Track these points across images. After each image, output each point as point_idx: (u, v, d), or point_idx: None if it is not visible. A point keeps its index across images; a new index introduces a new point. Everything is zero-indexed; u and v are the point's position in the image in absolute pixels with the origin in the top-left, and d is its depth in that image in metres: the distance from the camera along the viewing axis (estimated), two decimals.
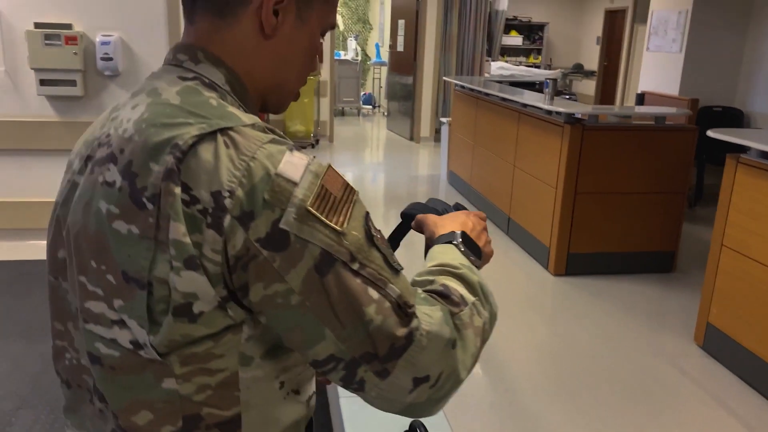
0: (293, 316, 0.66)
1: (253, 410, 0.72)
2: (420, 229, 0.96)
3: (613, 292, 3.93)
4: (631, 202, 4.08)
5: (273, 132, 0.70)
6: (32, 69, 3.70)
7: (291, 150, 0.68)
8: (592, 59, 12.82)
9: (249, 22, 0.75)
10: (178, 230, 0.63)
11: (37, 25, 3.67)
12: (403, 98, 9.27)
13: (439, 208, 1.02)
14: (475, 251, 0.88)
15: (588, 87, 12.78)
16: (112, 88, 3.88)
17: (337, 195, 0.67)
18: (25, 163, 3.92)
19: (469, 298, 0.76)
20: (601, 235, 4.11)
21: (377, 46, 11.79)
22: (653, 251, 4.20)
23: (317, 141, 8.38)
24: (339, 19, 11.91)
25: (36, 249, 3.94)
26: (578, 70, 12.55)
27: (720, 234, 3.12)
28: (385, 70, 11.32)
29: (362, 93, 11.69)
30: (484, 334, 0.78)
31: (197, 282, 0.64)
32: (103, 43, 3.73)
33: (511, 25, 12.83)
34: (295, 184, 0.65)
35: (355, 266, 0.66)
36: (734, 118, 6.04)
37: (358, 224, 0.68)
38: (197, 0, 0.76)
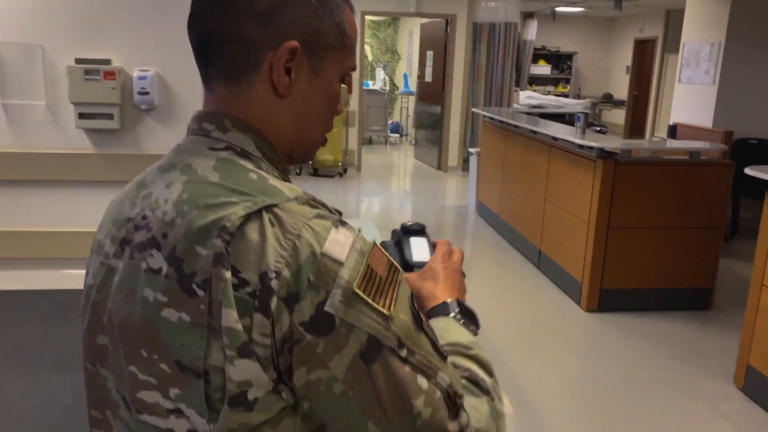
0: (336, 405, 0.63)
1: None
2: None
3: (647, 329, 3.84)
4: (666, 238, 4.01)
5: (316, 204, 0.68)
6: (72, 103, 3.80)
7: (336, 226, 0.65)
8: (621, 88, 12.76)
9: (263, 85, 0.72)
10: (231, 317, 0.61)
11: (78, 61, 3.78)
12: (430, 127, 9.31)
13: (413, 256, 0.96)
14: (473, 319, 0.84)
15: (617, 116, 12.71)
16: (147, 122, 3.96)
17: (382, 275, 0.64)
18: (62, 194, 4.00)
19: (488, 381, 0.74)
20: (635, 271, 4.04)
21: (405, 76, 11.89)
22: (689, 288, 4.11)
23: (345, 170, 8.44)
24: (368, 50, 12.06)
25: (71, 278, 4.00)
26: (608, 99, 12.50)
27: (760, 273, 3.04)
28: (412, 99, 11.40)
29: (390, 122, 11.78)
30: (501, 409, 0.75)
31: (251, 369, 0.61)
32: (140, 78, 3.82)
33: (539, 55, 12.86)
34: (341, 264, 0.62)
35: (404, 353, 0.63)
36: None
37: (404, 306, 0.65)
38: (210, 69, 0.74)
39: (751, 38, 5.92)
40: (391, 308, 0.63)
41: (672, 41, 10.83)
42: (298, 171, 8.17)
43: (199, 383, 0.63)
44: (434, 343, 0.67)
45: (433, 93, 9.10)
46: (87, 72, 3.75)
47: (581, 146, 4.14)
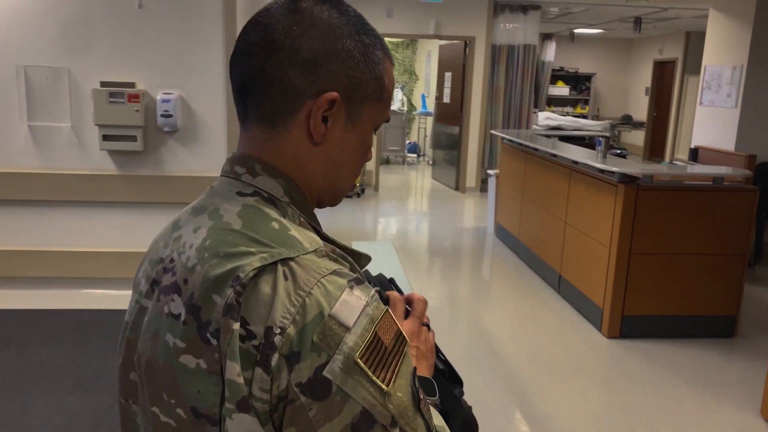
0: None
1: None
2: None
3: (671, 357, 3.77)
4: (689, 264, 3.95)
5: (336, 257, 0.68)
6: (96, 125, 3.86)
7: (351, 286, 0.64)
8: (640, 110, 12.70)
9: (299, 131, 0.73)
10: (233, 370, 0.61)
11: (103, 84, 3.84)
12: (448, 148, 9.31)
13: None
14: (433, 393, 0.82)
15: (636, 137, 12.63)
16: (170, 144, 4.00)
17: (388, 345, 0.63)
18: (85, 215, 4.05)
19: None
20: (657, 297, 3.98)
21: (423, 96, 11.94)
22: (712, 315, 4.04)
23: (363, 190, 8.45)
24: None
25: (92, 298, 4.03)
26: (627, 121, 12.44)
27: None
28: (430, 120, 11.42)
29: (407, 142, 11.81)
30: None
31: (249, 423, 0.61)
32: (164, 101, 3.87)
33: (557, 76, 12.86)
34: (347, 329, 0.61)
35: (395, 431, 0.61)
36: None
37: (404, 383, 0.64)
38: (249, 109, 0.74)
39: None
40: (391, 384, 0.62)
41: (692, 63, 10.78)
42: None
43: (214, 430, 0.63)
44: (428, 427, 0.65)
45: (451, 114, 9.12)
46: (112, 95, 3.81)
47: (602, 171, 4.11)
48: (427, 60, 11.93)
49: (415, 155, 12.03)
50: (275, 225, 0.68)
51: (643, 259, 3.92)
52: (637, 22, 9.05)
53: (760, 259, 5.63)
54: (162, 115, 3.88)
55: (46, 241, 4.06)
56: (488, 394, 3.28)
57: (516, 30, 8.60)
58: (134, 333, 0.74)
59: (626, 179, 3.86)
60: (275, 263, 0.63)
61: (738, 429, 3.04)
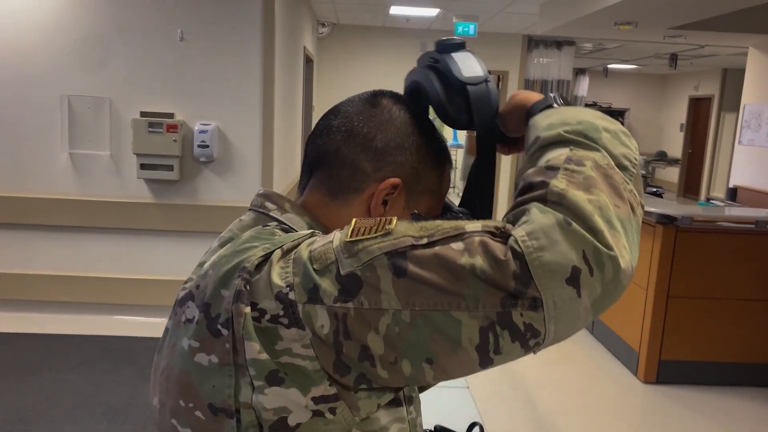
0: (421, 331, 0.61)
1: None
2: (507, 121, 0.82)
3: (710, 406, 3.63)
4: (730, 309, 3.82)
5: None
6: (135, 154, 3.92)
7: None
8: (674, 146, 12.54)
9: (358, 207, 0.78)
10: (254, 349, 0.63)
11: (143, 114, 3.92)
12: None
13: (462, 71, 0.78)
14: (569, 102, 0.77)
15: (671, 174, 12.45)
16: (205, 173, 4.05)
17: (371, 225, 0.66)
18: (120, 241, 4.10)
19: (559, 159, 0.65)
20: (696, 343, 3.85)
21: (454, 129, 11.95)
22: (755, 363, 3.89)
23: None
24: None
25: (124, 324, 4.06)
26: (662, 158, 12.28)
27: None
28: (461, 152, 11.41)
29: None
30: (608, 170, 0.65)
31: (285, 395, 0.63)
32: (201, 132, 3.93)
33: None
34: (330, 241, 0.65)
35: (423, 241, 0.63)
36: None
37: (401, 222, 0.66)
38: (313, 179, 0.80)
39: None
40: (387, 227, 0.64)
41: (728, 100, 10.62)
42: None
43: (231, 423, 0.64)
44: (442, 220, 0.66)
45: None
46: (151, 125, 3.88)
47: None
48: None
49: None
50: (281, 232, 0.74)
51: (682, 303, 3.81)
52: (673, 58, 8.98)
53: None
54: (199, 146, 3.93)
55: (81, 266, 4.11)
56: None
57: (550, 65, 8.59)
58: (158, 357, 0.76)
59: (665, 220, 3.78)
60: (277, 249, 0.68)
61: None
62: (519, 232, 0.60)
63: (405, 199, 0.79)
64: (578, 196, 0.61)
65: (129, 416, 3.02)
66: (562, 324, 0.62)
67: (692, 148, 11.93)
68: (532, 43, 8.50)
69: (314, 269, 0.63)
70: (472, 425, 1.00)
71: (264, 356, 0.63)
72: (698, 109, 11.90)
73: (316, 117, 6.53)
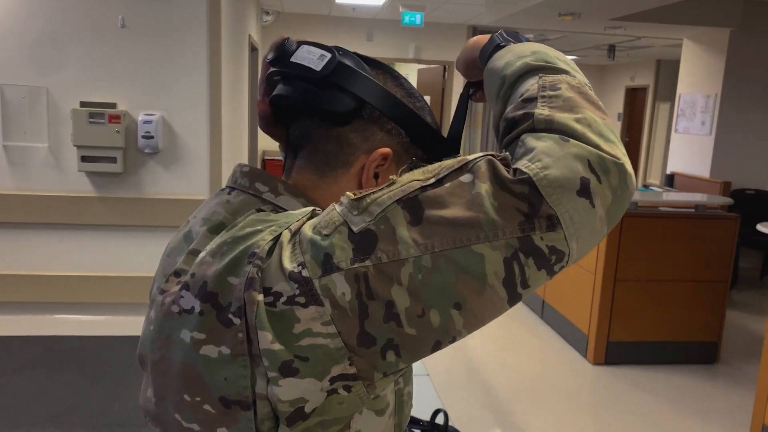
0: (444, 274, 0.59)
1: None
2: (468, 73, 0.84)
3: (656, 384, 3.77)
4: (672, 291, 3.97)
5: None
6: (75, 146, 3.76)
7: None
8: None
9: (348, 183, 0.75)
10: (266, 339, 0.60)
11: (83, 104, 3.75)
12: None
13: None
14: (515, 37, 0.77)
15: None
16: (151, 165, 3.91)
17: (373, 186, 0.65)
18: (61, 238, 3.92)
19: (533, 89, 0.66)
20: (641, 324, 3.99)
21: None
22: (695, 341, 4.06)
23: None
24: None
25: (66, 323, 3.89)
26: None
27: None
28: None
29: None
30: (581, 87, 0.67)
31: (300, 386, 0.60)
32: (145, 122, 3.80)
33: None
34: (332, 209, 0.63)
35: (431, 181, 0.61)
36: (767, 201, 5.97)
37: (404, 175, 0.64)
38: (299, 155, 0.77)
39: (747, 90, 6.02)
40: (391, 179, 0.63)
41: (663, 90, 11.02)
42: None
43: (248, 415, 0.62)
44: (445, 160, 0.65)
45: None
46: (92, 115, 3.72)
47: None
48: None
49: None
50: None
51: (628, 286, 3.93)
52: (611, 49, 9.24)
53: (737, 283, 5.71)
54: (143, 137, 3.80)
55: (20, 264, 3.92)
56: (472, 423, 3.23)
57: None
58: (143, 347, 0.72)
59: None
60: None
61: None
62: (521, 162, 0.61)
63: (396, 171, 0.76)
64: (564, 117, 0.63)
65: (78, 420, 2.90)
66: (582, 239, 0.61)
67: (629, 137, 12.33)
68: (477, 33, 8.59)
69: (323, 235, 0.61)
70: (437, 412, 0.99)
71: (277, 346, 0.60)
72: (634, 99, 12.30)
73: None
